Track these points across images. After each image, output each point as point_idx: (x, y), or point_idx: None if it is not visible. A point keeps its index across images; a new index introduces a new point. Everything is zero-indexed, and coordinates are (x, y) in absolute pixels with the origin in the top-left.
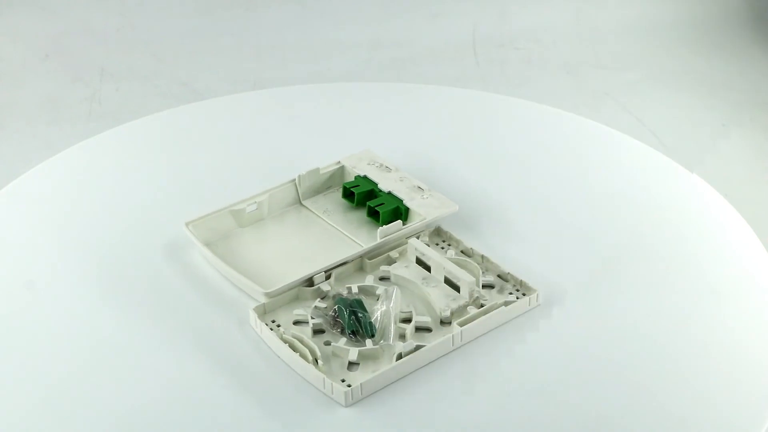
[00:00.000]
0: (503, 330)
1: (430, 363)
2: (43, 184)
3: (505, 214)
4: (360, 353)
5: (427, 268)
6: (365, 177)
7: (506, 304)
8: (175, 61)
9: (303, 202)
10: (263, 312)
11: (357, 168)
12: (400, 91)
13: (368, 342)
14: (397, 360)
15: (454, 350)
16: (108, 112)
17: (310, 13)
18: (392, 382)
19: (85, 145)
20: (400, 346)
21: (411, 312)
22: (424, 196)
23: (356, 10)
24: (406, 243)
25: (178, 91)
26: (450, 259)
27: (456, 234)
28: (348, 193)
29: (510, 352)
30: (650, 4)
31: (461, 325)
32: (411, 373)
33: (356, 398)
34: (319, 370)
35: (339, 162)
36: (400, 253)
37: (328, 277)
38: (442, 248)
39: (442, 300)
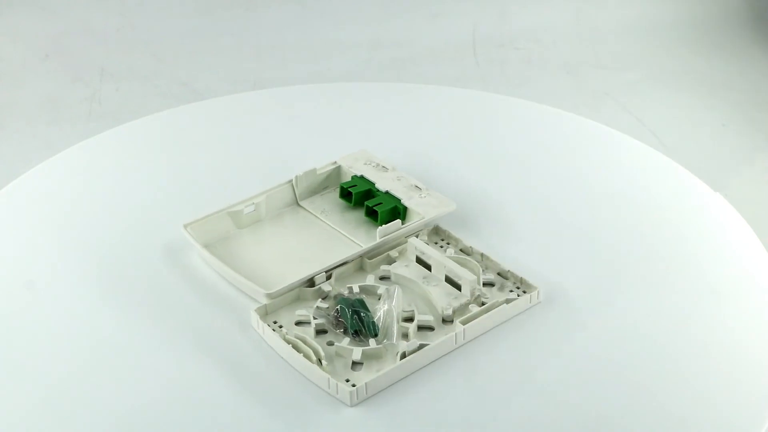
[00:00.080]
0: (504, 328)
1: (433, 362)
2: (43, 184)
3: (505, 214)
4: (364, 353)
5: (428, 267)
6: (362, 177)
7: (507, 301)
8: (175, 61)
9: (300, 203)
10: (265, 313)
11: (354, 168)
12: (400, 91)
13: (372, 341)
14: (400, 359)
15: (456, 348)
16: (108, 112)
17: (310, 13)
18: (396, 381)
19: (85, 145)
20: (403, 345)
21: (413, 311)
22: (422, 195)
23: (356, 10)
24: (406, 242)
25: (178, 91)
26: (450, 258)
27: (455, 233)
28: (345, 193)
29: (511, 351)
30: (650, 4)
31: (464, 323)
32: (415, 372)
33: (361, 398)
34: (324, 370)
35: (335, 162)
36: (400, 253)
37: (328, 278)
38: (442, 247)
39: (443, 298)
